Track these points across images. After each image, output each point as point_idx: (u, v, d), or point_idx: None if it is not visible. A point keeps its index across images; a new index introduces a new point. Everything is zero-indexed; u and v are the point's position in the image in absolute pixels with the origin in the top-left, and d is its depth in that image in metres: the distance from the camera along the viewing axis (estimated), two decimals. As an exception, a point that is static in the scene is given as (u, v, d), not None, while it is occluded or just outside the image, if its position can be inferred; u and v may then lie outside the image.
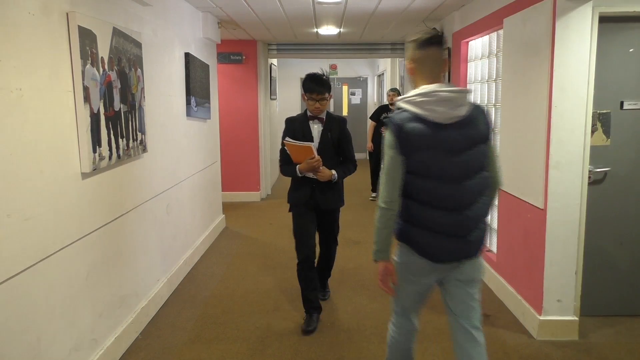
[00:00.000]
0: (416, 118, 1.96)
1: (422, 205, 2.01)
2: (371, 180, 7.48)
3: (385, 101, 7.62)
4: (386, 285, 2.15)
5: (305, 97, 3.23)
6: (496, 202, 3.97)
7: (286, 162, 3.29)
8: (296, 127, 3.27)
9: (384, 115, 6.89)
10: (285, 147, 3.21)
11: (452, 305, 2.15)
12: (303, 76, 3.28)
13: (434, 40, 2.03)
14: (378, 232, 2.06)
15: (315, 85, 3.17)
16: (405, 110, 2.00)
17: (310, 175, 3.21)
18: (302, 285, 3.33)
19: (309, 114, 3.28)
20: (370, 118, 7.28)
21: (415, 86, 2.08)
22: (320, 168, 3.14)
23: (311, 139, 3.24)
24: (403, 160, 1.99)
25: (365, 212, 6.47)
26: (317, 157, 3.11)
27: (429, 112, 1.95)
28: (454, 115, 1.96)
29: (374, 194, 7.42)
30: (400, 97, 2.06)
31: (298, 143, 3.12)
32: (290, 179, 3.36)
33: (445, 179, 1.97)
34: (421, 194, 2.00)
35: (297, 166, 3.19)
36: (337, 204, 3.35)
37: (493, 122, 2.26)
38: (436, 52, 2.04)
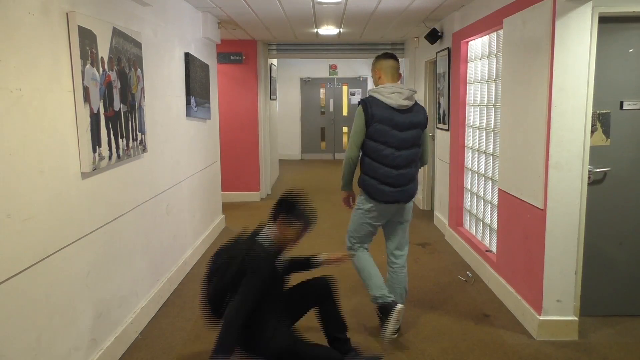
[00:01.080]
0: (379, 101, 2.96)
1: (375, 162, 2.97)
2: None
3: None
4: (347, 205, 3.24)
5: (284, 227, 2.42)
6: (496, 202, 3.98)
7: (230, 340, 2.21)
8: (267, 280, 2.33)
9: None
10: None
11: (391, 239, 3.18)
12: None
13: (392, 56, 3.13)
14: (345, 175, 3.11)
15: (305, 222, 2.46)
16: (373, 97, 3.00)
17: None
18: None
19: (271, 248, 2.40)
20: None
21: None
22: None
23: (282, 286, 2.58)
24: (364, 129, 2.96)
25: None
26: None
27: (386, 98, 2.96)
28: (402, 104, 2.96)
29: None
30: (370, 89, 3.10)
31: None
32: None
33: (388, 145, 2.94)
34: (374, 154, 2.97)
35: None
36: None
37: (428, 118, 3.29)
38: (393, 64, 3.10)
